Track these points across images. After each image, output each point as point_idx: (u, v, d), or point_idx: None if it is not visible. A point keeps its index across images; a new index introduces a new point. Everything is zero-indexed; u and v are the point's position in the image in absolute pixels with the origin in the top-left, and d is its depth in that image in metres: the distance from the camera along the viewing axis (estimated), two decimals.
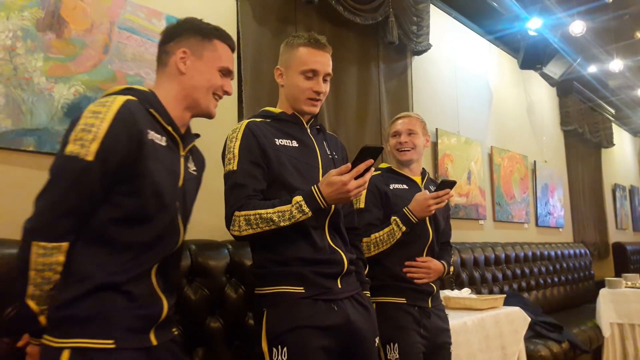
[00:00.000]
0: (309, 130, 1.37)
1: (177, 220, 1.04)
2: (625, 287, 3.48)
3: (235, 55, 1.19)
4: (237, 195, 1.22)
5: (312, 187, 1.19)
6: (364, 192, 1.58)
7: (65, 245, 0.90)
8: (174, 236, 1.04)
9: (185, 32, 1.08)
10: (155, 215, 0.97)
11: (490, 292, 3.15)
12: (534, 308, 3.06)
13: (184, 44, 1.07)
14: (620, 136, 6.70)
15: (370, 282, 1.46)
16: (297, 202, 1.18)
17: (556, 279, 4.05)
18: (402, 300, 1.58)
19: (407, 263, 1.62)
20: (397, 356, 1.51)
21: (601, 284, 3.64)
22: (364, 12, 2.58)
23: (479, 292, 2.96)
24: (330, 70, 1.34)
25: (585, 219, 5.28)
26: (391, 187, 1.67)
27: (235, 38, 1.95)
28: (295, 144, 1.32)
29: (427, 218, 1.64)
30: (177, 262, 1.10)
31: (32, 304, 0.90)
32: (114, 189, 0.94)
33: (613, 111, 6.07)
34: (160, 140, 1.00)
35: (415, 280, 1.61)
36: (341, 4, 2.46)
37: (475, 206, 3.55)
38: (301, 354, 1.18)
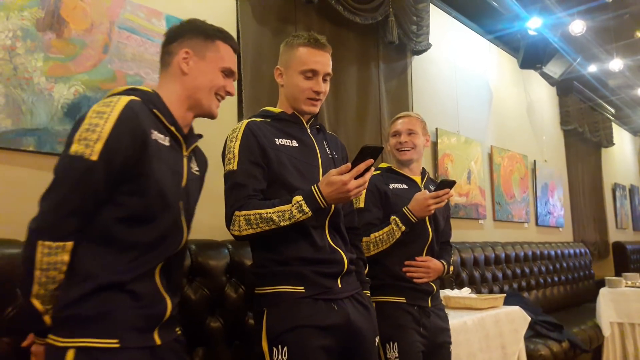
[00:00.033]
0: (309, 130, 1.37)
1: (180, 220, 1.05)
2: (625, 286, 3.48)
3: None
4: (237, 195, 1.22)
5: (312, 187, 1.19)
6: (364, 192, 1.58)
7: (69, 244, 0.90)
8: (178, 236, 1.04)
9: (188, 33, 1.09)
10: (159, 215, 0.98)
11: (490, 291, 3.15)
12: (534, 307, 3.07)
13: (187, 44, 1.08)
14: (620, 135, 6.70)
15: (370, 281, 1.46)
16: (297, 202, 1.18)
17: (556, 279, 4.05)
18: (402, 300, 1.59)
19: (406, 262, 1.62)
20: (397, 355, 1.51)
21: (601, 284, 3.64)
22: (363, 12, 2.58)
23: (479, 292, 2.96)
24: (330, 70, 1.34)
25: (585, 218, 5.28)
26: (391, 187, 1.67)
27: (235, 38, 1.95)
28: (295, 143, 1.32)
29: (427, 218, 1.64)
30: (181, 262, 1.11)
31: (37, 303, 0.91)
32: (118, 189, 0.94)
33: (613, 110, 6.07)
34: (164, 140, 1.01)
35: (415, 280, 1.61)
36: (341, 4, 2.46)
37: (475, 206, 3.55)
38: (301, 354, 1.18)
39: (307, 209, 1.17)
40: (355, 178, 1.16)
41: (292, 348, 1.18)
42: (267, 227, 1.19)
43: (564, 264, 4.25)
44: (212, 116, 1.12)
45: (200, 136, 1.15)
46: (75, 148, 0.91)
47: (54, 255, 0.89)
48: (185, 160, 1.07)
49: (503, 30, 3.93)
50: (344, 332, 1.24)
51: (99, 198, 0.93)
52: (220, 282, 1.61)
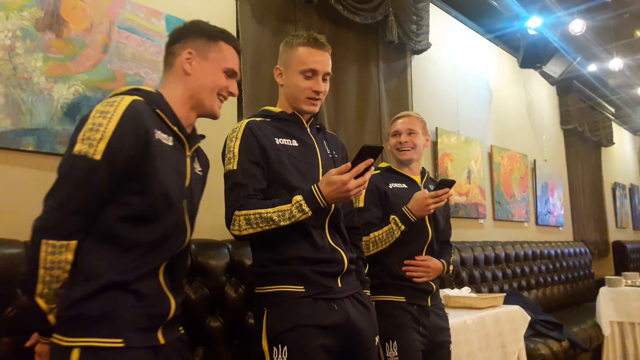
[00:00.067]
0: (308, 130, 1.37)
1: (184, 220, 1.05)
2: (625, 285, 3.48)
3: None
4: (237, 194, 1.23)
5: (312, 187, 1.19)
6: (364, 191, 1.58)
7: (73, 243, 0.91)
8: (181, 235, 1.05)
9: (191, 34, 1.10)
10: (162, 214, 0.98)
11: (490, 290, 3.15)
12: (533, 307, 3.07)
13: (190, 45, 1.08)
14: (620, 135, 6.70)
15: (370, 281, 1.46)
16: (297, 202, 1.18)
17: (556, 278, 4.06)
18: (401, 299, 1.59)
19: (406, 262, 1.62)
20: (396, 354, 1.51)
21: (601, 283, 3.64)
22: (363, 11, 2.58)
23: (478, 291, 2.97)
24: (329, 69, 1.34)
25: (585, 217, 5.28)
26: (390, 187, 1.67)
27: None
28: (295, 143, 1.32)
29: (427, 217, 1.64)
30: (184, 262, 1.11)
31: (41, 302, 0.91)
32: (121, 188, 0.95)
33: (613, 110, 6.07)
34: (167, 140, 1.02)
35: (415, 279, 1.61)
36: (341, 3, 2.45)
37: (475, 205, 3.55)
38: (301, 353, 1.18)
39: (307, 209, 1.17)
40: (355, 178, 1.16)
41: (292, 347, 1.18)
42: (267, 227, 1.19)
43: (564, 263, 4.25)
44: (214, 116, 1.12)
45: (202, 137, 1.15)
46: (78, 148, 0.91)
47: (58, 254, 0.90)
48: (188, 160, 1.08)
49: (503, 29, 3.93)
50: (344, 332, 1.24)
51: (102, 197, 0.93)
52: (220, 281, 1.61)
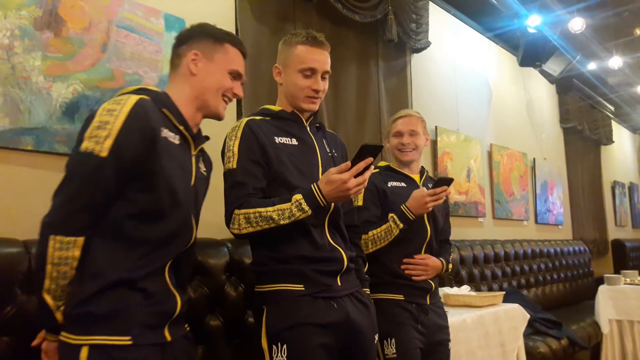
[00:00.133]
0: (308, 128, 1.37)
1: (190, 218, 1.06)
2: (624, 284, 3.49)
3: None
4: (236, 193, 1.23)
5: (312, 185, 1.19)
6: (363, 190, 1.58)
7: (80, 240, 0.92)
8: (187, 233, 1.06)
9: (197, 36, 1.11)
10: (169, 211, 0.99)
11: (490, 289, 3.16)
12: (533, 305, 3.07)
13: (196, 46, 1.10)
14: (620, 133, 6.70)
15: (370, 279, 1.46)
16: (297, 201, 1.18)
17: (555, 276, 4.06)
18: (400, 297, 1.59)
19: (405, 260, 1.62)
20: (394, 351, 1.51)
21: (600, 281, 3.65)
22: (363, 10, 2.57)
23: (478, 290, 2.97)
24: (328, 67, 1.33)
25: (584, 216, 5.28)
26: (389, 185, 1.67)
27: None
28: (294, 142, 1.32)
29: (426, 215, 1.64)
30: (189, 260, 1.12)
31: (48, 298, 0.92)
32: (128, 185, 0.96)
33: (612, 108, 6.07)
34: (174, 138, 1.03)
35: (413, 278, 1.61)
36: (340, 2, 2.45)
37: (474, 204, 3.55)
38: (301, 352, 1.18)
39: (306, 208, 1.17)
40: (355, 176, 1.16)
41: (292, 346, 1.18)
42: (266, 226, 1.19)
43: (563, 262, 4.25)
44: (219, 117, 1.14)
45: (207, 138, 1.16)
46: (85, 145, 0.92)
47: (65, 250, 0.90)
48: (193, 160, 1.09)
49: (502, 28, 3.92)
50: (343, 330, 1.24)
51: (109, 194, 0.94)
52: (219, 280, 1.61)
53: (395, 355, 1.51)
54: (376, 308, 1.40)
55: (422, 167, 1.80)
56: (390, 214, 1.59)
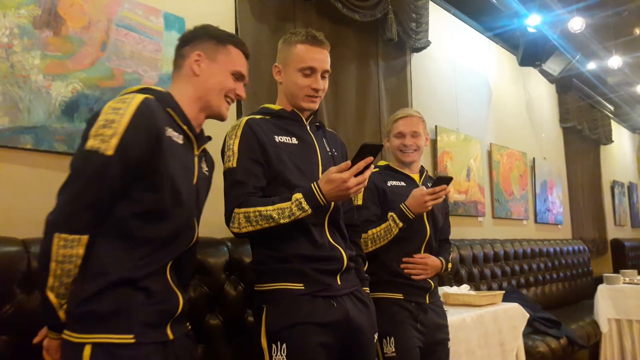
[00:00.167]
0: (308, 127, 1.37)
1: (193, 217, 1.07)
2: (623, 283, 3.49)
3: None
4: (236, 192, 1.23)
5: (312, 185, 1.19)
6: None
7: (85, 238, 0.92)
8: (190, 233, 1.06)
9: (200, 37, 1.12)
10: (172, 211, 0.99)
11: (489, 288, 3.16)
12: (532, 304, 3.07)
13: (199, 47, 1.10)
14: (619, 133, 6.71)
15: (369, 278, 1.46)
16: (297, 200, 1.18)
17: (555, 276, 4.06)
18: (399, 296, 1.59)
19: (404, 259, 1.62)
20: (394, 350, 1.51)
21: (599, 280, 3.65)
22: (363, 9, 2.57)
23: (477, 289, 2.97)
24: (328, 67, 1.33)
25: (583, 215, 5.29)
26: (389, 184, 1.67)
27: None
28: (294, 141, 1.32)
29: (425, 214, 1.64)
30: (191, 259, 1.13)
31: (51, 296, 0.92)
32: (133, 184, 0.96)
33: (612, 108, 6.07)
34: (178, 138, 1.03)
35: (413, 277, 1.61)
36: (340, 1, 2.45)
37: (474, 203, 3.55)
38: (301, 351, 1.18)
39: (306, 207, 1.17)
40: (355, 176, 1.16)
41: (291, 345, 1.18)
42: (266, 225, 1.19)
43: (563, 261, 4.26)
44: (221, 118, 1.14)
45: (209, 138, 1.16)
46: (91, 143, 0.92)
47: (70, 248, 0.90)
48: (196, 160, 1.10)
49: (502, 27, 3.92)
50: (343, 329, 1.24)
51: (114, 193, 0.94)
52: (219, 279, 1.61)
53: (394, 354, 1.51)
54: (375, 307, 1.40)
55: (421, 166, 1.80)
56: (390, 213, 1.59)
